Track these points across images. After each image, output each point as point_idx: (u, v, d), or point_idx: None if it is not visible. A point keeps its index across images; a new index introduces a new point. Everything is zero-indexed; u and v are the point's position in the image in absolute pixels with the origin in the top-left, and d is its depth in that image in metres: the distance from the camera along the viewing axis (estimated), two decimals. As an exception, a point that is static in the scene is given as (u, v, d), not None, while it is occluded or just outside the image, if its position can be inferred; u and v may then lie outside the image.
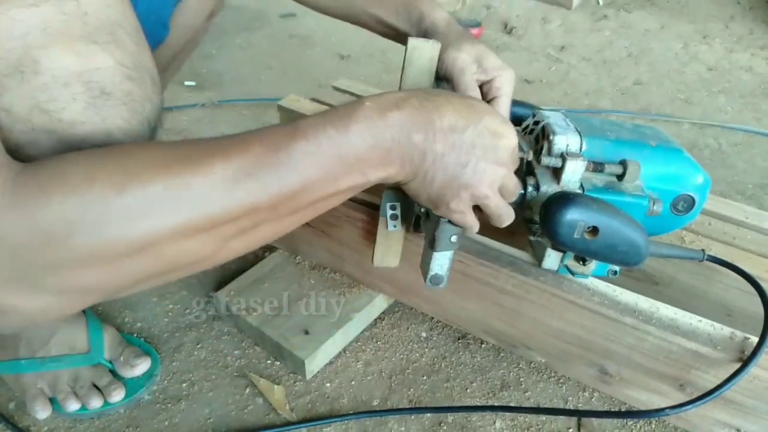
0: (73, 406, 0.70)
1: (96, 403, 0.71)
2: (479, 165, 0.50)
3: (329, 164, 0.45)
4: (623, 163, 0.62)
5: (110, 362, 0.74)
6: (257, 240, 0.46)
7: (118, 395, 0.71)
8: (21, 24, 0.40)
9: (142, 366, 0.74)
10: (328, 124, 0.45)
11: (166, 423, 0.71)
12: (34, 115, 0.42)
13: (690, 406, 0.58)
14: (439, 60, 0.63)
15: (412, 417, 0.72)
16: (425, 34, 0.68)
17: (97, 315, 0.79)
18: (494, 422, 0.72)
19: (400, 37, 0.72)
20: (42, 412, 0.70)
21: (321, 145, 0.44)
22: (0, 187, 0.36)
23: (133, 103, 0.47)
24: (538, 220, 0.60)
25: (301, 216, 0.48)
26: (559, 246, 0.62)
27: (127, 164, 0.40)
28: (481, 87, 0.65)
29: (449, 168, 0.50)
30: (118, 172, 0.39)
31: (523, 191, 0.62)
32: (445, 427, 0.71)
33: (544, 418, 0.72)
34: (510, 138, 0.52)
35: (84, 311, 0.77)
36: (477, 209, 0.55)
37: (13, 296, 0.38)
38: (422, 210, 0.65)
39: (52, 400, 0.71)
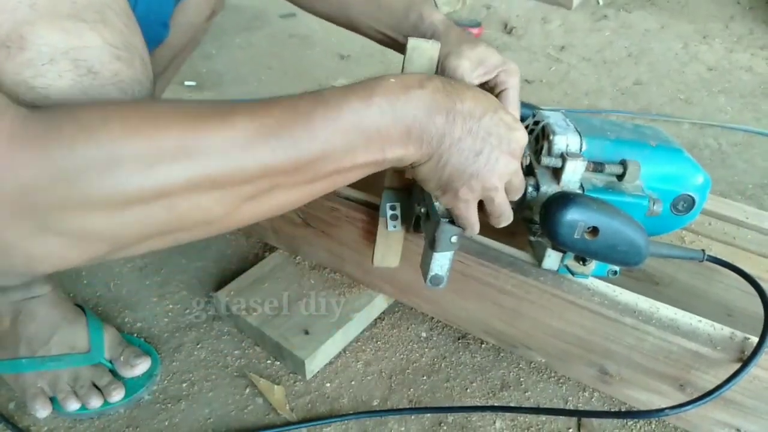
0: (73, 405, 0.70)
1: (96, 402, 0.71)
2: (493, 154, 0.51)
3: (349, 135, 0.45)
4: (623, 163, 0.62)
5: (110, 362, 0.74)
6: (270, 207, 0.46)
7: (118, 395, 0.71)
8: None
9: (142, 366, 0.74)
10: (351, 95, 0.45)
11: (166, 423, 0.71)
12: (20, 91, 0.42)
13: (690, 407, 0.58)
14: (441, 67, 0.63)
15: (412, 417, 0.72)
16: (423, 36, 0.68)
17: (97, 315, 0.79)
18: (494, 422, 0.72)
19: (398, 40, 0.71)
20: (42, 411, 0.70)
21: (343, 114, 0.44)
22: (9, 124, 0.36)
23: (121, 84, 0.46)
24: (538, 220, 0.60)
25: (316, 188, 0.48)
26: (559, 246, 0.62)
27: (144, 110, 0.39)
28: (486, 85, 0.65)
29: (464, 153, 0.50)
30: (133, 116, 0.39)
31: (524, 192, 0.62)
32: (445, 427, 0.71)
33: (544, 418, 0.72)
34: (522, 132, 0.53)
35: (84, 311, 0.77)
36: (479, 207, 0.55)
37: (16, 235, 0.37)
38: (422, 210, 0.65)
39: (53, 400, 0.71)
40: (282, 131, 0.42)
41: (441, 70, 0.63)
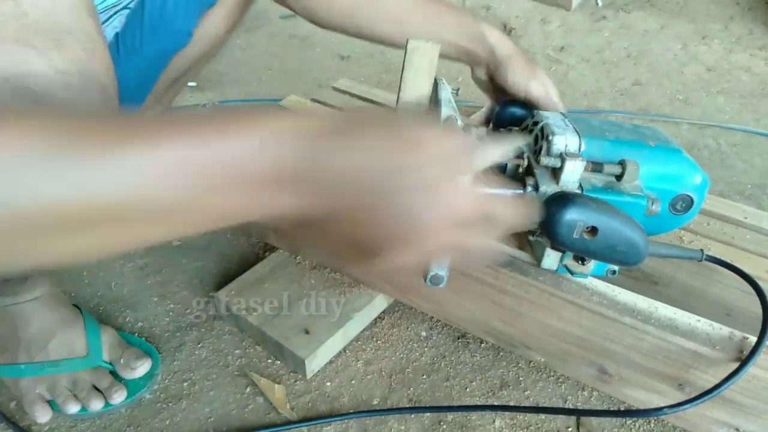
0: (73, 408, 0.70)
1: (97, 405, 0.71)
2: (420, 199, 0.38)
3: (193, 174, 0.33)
4: (622, 163, 0.62)
5: (110, 363, 0.74)
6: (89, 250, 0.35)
7: (119, 397, 0.71)
8: None
9: (143, 368, 0.74)
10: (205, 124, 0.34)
11: (167, 422, 0.71)
12: None
13: (688, 406, 0.58)
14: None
15: (412, 416, 0.72)
16: (492, 54, 0.77)
17: (98, 314, 0.79)
18: (494, 421, 0.72)
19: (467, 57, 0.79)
20: (42, 416, 0.70)
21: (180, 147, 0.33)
22: None
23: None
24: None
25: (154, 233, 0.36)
26: (559, 246, 0.62)
27: None
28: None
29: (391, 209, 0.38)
30: None
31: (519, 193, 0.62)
32: (444, 426, 0.71)
33: (543, 417, 0.72)
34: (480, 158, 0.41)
35: (82, 313, 0.76)
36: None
37: None
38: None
39: (52, 403, 0.71)
40: (79, 156, 0.31)
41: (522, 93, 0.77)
